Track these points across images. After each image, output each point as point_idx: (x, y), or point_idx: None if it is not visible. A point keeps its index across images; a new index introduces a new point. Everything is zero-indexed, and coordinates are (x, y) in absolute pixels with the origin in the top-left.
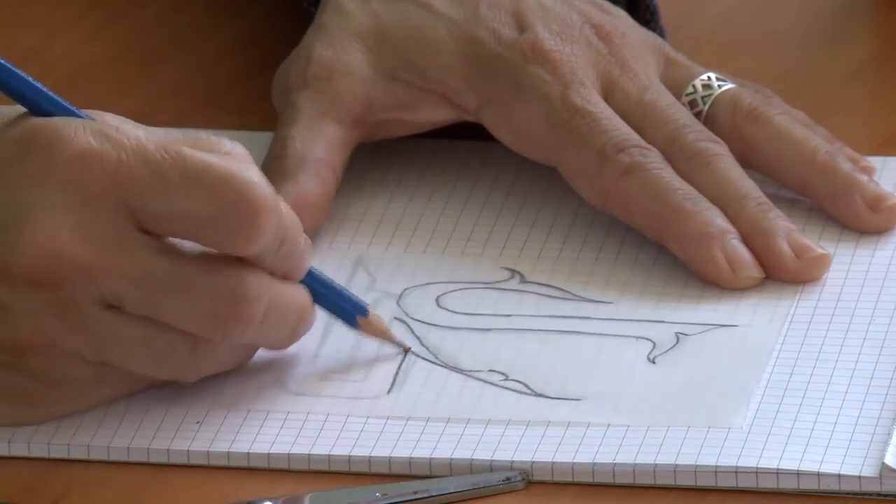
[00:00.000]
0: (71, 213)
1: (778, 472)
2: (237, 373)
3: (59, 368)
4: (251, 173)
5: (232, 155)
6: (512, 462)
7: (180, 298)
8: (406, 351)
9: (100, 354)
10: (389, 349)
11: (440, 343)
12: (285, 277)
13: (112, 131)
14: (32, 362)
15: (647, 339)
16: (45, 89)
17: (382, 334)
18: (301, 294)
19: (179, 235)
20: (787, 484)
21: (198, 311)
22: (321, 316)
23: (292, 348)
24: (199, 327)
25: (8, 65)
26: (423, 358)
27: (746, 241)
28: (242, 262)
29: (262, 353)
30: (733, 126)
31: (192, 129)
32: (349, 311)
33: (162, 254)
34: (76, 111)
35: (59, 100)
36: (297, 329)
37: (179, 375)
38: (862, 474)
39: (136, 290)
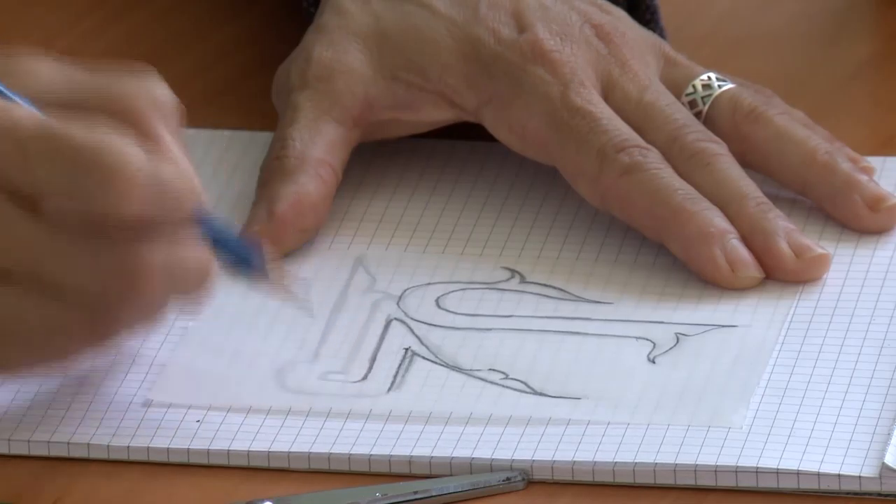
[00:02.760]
0: None
1: (778, 472)
2: (237, 372)
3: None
4: (110, 139)
5: (149, 98)
6: (512, 461)
7: (66, 272)
8: (310, 314)
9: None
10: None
11: (440, 342)
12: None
13: None
14: None
15: (647, 339)
16: None
17: (280, 291)
18: (194, 251)
19: (51, 203)
20: (787, 484)
21: (88, 277)
22: (321, 315)
23: (293, 345)
24: (94, 299)
25: None
26: (424, 357)
27: (746, 241)
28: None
29: (260, 352)
30: (733, 126)
31: (191, 129)
32: (244, 256)
33: (37, 224)
34: None
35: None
36: (202, 281)
37: (90, 345)
38: (862, 474)
39: (20, 266)
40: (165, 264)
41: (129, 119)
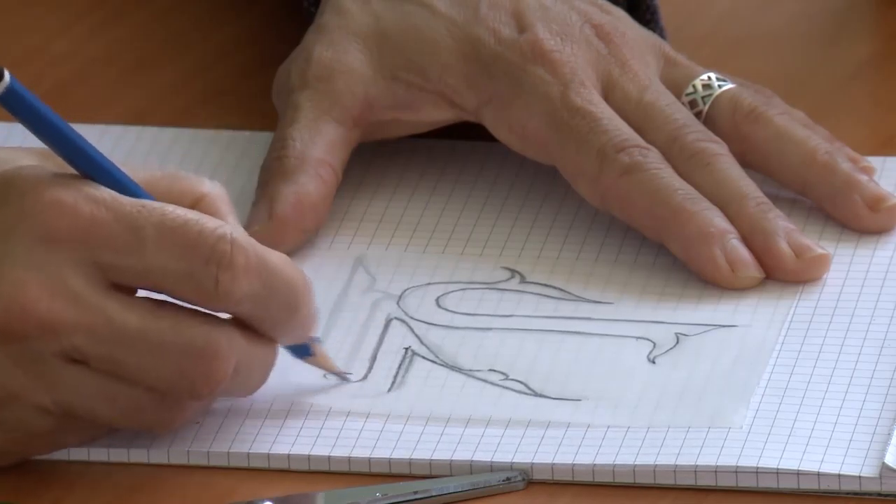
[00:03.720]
0: (40, 268)
1: (778, 472)
2: None
3: (23, 420)
4: (226, 229)
5: (208, 197)
6: (512, 463)
7: (147, 357)
8: (348, 379)
9: (63, 407)
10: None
11: (440, 342)
12: (276, 341)
13: (88, 186)
14: None
15: (647, 339)
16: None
17: (327, 367)
18: (269, 351)
19: (152, 290)
20: (787, 484)
21: (165, 369)
22: (321, 315)
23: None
24: (167, 385)
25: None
26: (423, 357)
27: (746, 241)
28: (212, 317)
29: None
30: (733, 126)
31: (191, 128)
32: (300, 348)
33: (130, 310)
34: (125, 180)
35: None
36: (260, 382)
37: (149, 428)
38: (862, 474)
39: (100, 346)
40: (240, 355)
41: (205, 211)
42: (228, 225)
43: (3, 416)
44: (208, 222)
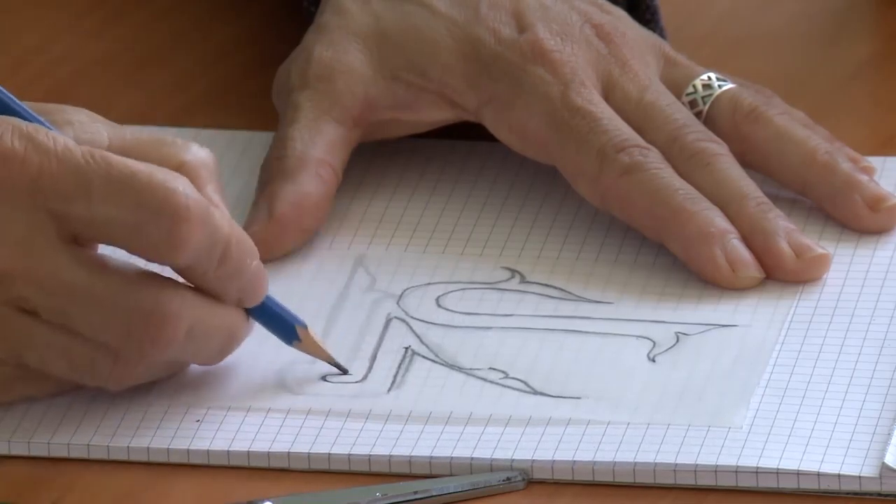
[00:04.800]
0: None
1: (778, 472)
2: (237, 371)
3: None
4: (177, 182)
5: (188, 165)
6: (512, 461)
7: (94, 312)
8: (344, 372)
9: (16, 357)
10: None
11: (440, 341)
12: (224, 298)
13: (40, 135)
14: None
15: (648, 338)
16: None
17: (318, 354)
18: (231, 313)
19: (103, 241)
20: (787, 484)
21: (113, 327)
22: (321, 315)
23: (294, 347)
24: (116, 343)
25: None
26: (423, 356)
27: (746, 241)
28: (167, 280)
29: (260, 351)
30: (733, 126)
31: (191, 128)
32: (286, 328)
33: (80, 265)
34: (25, 112)
35: (12, 99)
36: (224, 349)
37: (101, 384)
38: (862, 474)
39: (48, 298)
40: (193, 320)
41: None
42: (180, 178)
43: None
44: (158, 174)
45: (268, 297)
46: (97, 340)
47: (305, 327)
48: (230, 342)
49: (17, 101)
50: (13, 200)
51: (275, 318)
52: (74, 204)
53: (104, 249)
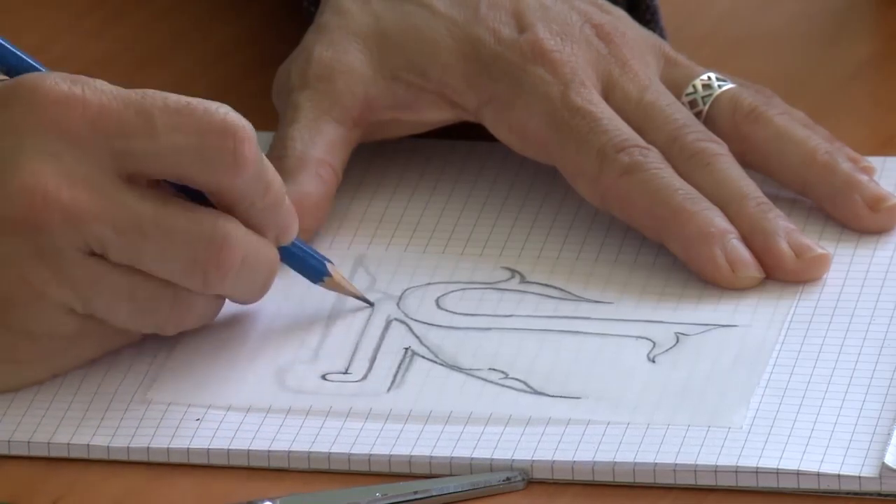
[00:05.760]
0: (55, 158)
1: (778, 472)
2: (237, 371)
3: (44, 322)
4: (227, 108)
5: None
6: (512, 460)
7: (162, 244)
8: (371, 305)
9: (86, 304)
10: (356, 305)
11: (440, 342)
12: (266, 233)
13: (90, 81)
14: (18, 316)
15: (647, 338)
16: (18, 51)
17: (346, 291)
18: (270, 248)
19: (168, 174)
20: (787, 484)
21: (179, 256)
22: (321, 316)
23: (293, 345)
24: (180, 273)
25: None
26: (423, 356)
27: (746, 241)
28: (220, 212)
29: (260, 351)
30: (733, 126)
31: None
32: (315, 268)
33: (144, 199)
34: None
35: (32, 61)
36: (266, 283)
37: (160, 328)
38: (862, 474)
39: (118, 236)
40: (246, 248)
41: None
42: (226, 105)
43: (24, 316)
44: (210, 103)
45: (297, 239)
46: (162, 276)
47: (332, 263)
48: (270, 277)
49: (38, 65)
50: (78, 142)
51: (304, 256)
52: (138, 139)
53: None
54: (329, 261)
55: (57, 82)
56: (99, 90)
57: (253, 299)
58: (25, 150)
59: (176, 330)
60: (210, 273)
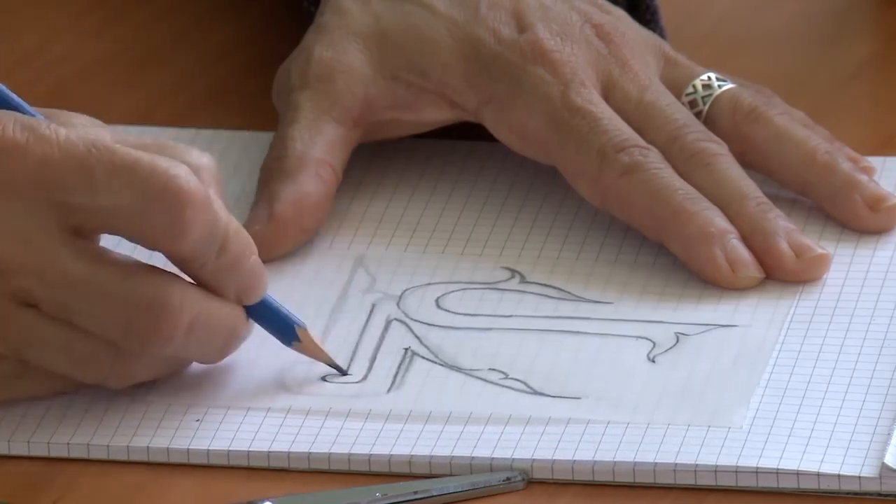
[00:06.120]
0: None
1: (778, 472)
2: (237, 371)
3: None
4: (179, 169)
5: (195, 165)
6: (512, 460)
7: (95, 305)
8: (343, 374)
9: (16, 352)
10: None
11: (440, 342)
12: (224, 294)
13: (42, 127)
14: None
15: (647, 338)
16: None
17: (317, 356)
18: (232, 311)
19: (107, 230)
20: (787, 484)
21: (114, 320)
22: (321, 315)
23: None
24: (117, 337)
25: None
26: (423, 357)
27: (746, 241)
28: (169, 273)
29: (260, 351)
30: (733, 126)
31: (191, 128)
32: (285, 329)
33: (81, 256)
34: (25, 108)
35: (11, 95)
36: (225, 346)
37: (102, 381)
38: (862, 474)
39: (49, 290)
40: (195, 314)
41: None
42: (182, 165)
43: None
44: (161, 161)
45: (267, 297)
46: (98, 335)
47: (305, 328)
48: (231, 340)
49: (17, 98)
50: (14, 192)
51: (274, 318)
52: (77, 194)
53: (105, 242)
54: (300, 324)
55: (3, 128)
56: (46, 139)
57: (211, 361)
58: None
59: (122, 385)
60: (146, 338)
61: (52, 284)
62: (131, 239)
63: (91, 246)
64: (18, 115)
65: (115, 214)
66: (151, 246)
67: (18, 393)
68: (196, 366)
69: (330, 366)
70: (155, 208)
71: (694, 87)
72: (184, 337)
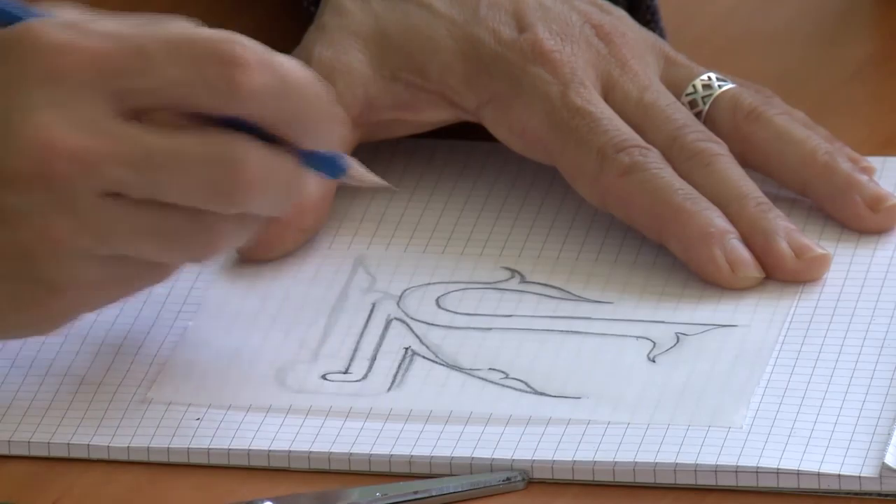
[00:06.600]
0: (57, 107)
1: (778, 472)
2: (237, 371)
3: (67, 271)
4: (234, 36)
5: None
6: (512, 460)
7: (178, 172)
8: (393, 190)
9: (111, 247)
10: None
11: (440, 342)
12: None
13: (84, 23)
14: (41, 269)
15: (647, 338)
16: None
17: (365, 178)
18: (293, 163)
19: (171, 107)
20: (787, 483)
21: (198, 181)
22: (321, 315)
23: (293, 345)
24: (203, 198)
25: None
26: (423, 356)
27: (746, 241)
28: (230, 130)
29: (260, 351)
30: (733, 126)
31: None
32: (333, 164)
33: (151, 132)
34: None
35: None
36: (289, 194)
37: (193, 257)
38: (862, 474)
39: (134, 172)
40: (263, 162)
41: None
42: (232, 33)
43: (47, 269)
44: (208, 30)
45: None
46: (184, 206)
47: (349, 157)
48: (293, 187)
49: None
50: (77, 88)
51: (320, 158)
52: (137, 77)
53: None
54: (343, 154)
55: (48, 31)
56: (92, 32)
57: (279, 212)
58: (26, 104)
59: (209, 257)
60: (230, 194)
61: (136, 165)
62: (191, 108)
63: (156, 122)
64: (51, 19)
65: (177, 88)
66: (218, 112)
67: (102, 301)
68: (196, 365)
69: (378, 186)
70: (212, 74)
71: (694, 87)
72: (259, 187)
